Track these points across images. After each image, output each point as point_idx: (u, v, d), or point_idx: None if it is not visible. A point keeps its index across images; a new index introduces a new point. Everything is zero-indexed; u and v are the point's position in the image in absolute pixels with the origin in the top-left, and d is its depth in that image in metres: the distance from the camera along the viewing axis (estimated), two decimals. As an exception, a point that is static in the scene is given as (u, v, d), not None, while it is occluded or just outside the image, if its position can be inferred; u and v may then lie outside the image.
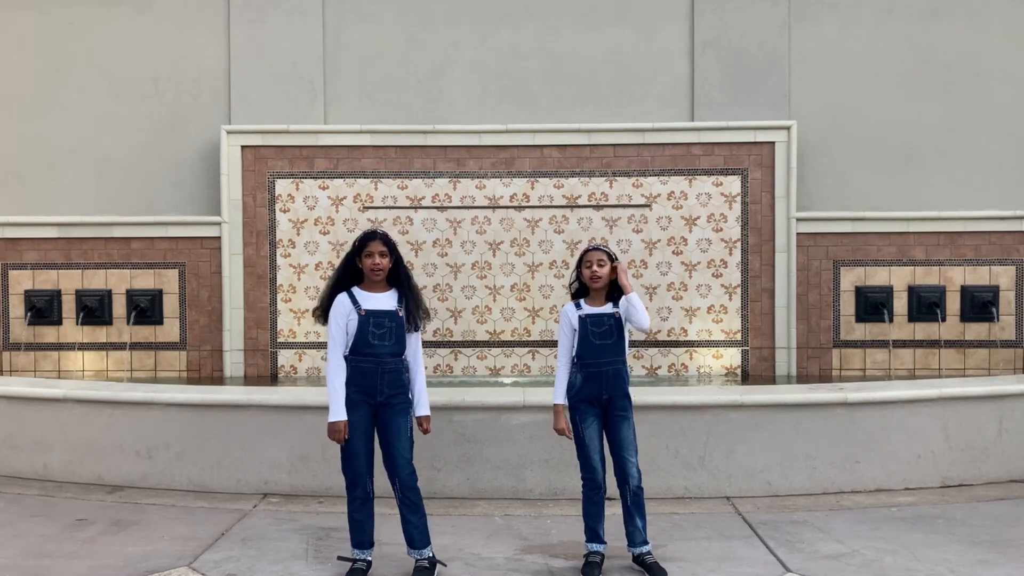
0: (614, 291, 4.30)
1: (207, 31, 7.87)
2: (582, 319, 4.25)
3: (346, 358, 4.08)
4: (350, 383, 4.05)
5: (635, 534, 4.20)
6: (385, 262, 4.10)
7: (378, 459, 4.14)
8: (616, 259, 4.28)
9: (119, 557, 4.35)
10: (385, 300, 4.13)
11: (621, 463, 4.20)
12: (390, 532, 4.35)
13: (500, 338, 7.69)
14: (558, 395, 4.30)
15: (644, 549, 4.18)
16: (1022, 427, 5.64)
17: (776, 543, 4.54)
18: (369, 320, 4.06)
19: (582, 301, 4.33)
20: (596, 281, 4.24)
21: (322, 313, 4.18)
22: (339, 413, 4.01)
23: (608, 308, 4.27)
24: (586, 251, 4.33)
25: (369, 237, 4.12)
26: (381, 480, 4.18)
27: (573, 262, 7.47)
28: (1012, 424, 5.62)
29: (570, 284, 4.43)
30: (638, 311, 4.12)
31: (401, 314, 4.11)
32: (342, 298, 4.12)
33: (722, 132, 7.59)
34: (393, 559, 4.29)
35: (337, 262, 7.54)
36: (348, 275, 4.18)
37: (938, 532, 4.68)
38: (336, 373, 4.04)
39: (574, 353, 4.27)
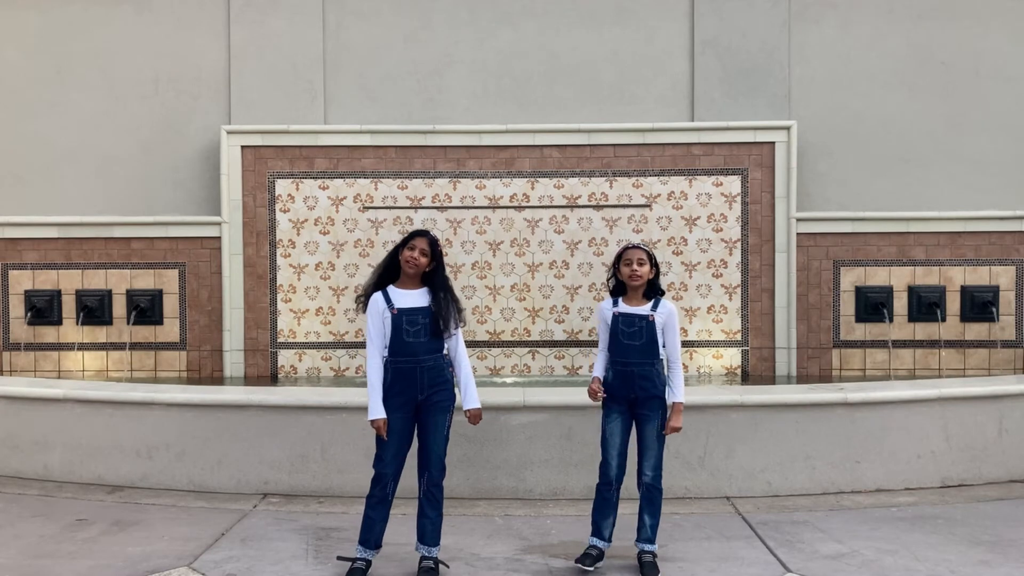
0: (651, 290, 4.33)
1: (207, 31, 7.87)
2: (615, 316, 4.29)
3: (386, 362, 4.12)
4: (392, 387, 4.09)
5: (641, 529, 4.23)
6: (424, 261, 4.14)
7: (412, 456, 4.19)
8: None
9: (119, 557, 4.36)
10: (417, 297, 4.17)
11: (639, 461, 4.26)
12: (391, 532, 4.34)
13: (500, 338, 7.69)
14: (596, 371, 4.38)
15: (644, 547, 4.20)
16: (1022, 427, 5.64)
17: (776, 543, 4.54)
18: (402, 318, 4.10)
19: (619, 299, 4.35)
20: (636, 280, 4.25)
21: (364, 304, 4.24)
22: (375, 411, 4.08)
23: (644, 309, 4.27)
24: (625, 248, 4.34)
25: (417, 233, 4.21)
26: (405, 482, 4.20)
27: (573, 262, 7.60)
28: (1012, 424, 5.62)
29: (607, 280, 4.46)
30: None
31: (434, 310, 4.15)
32: (376, 297, 4.18)
33: (722, 132, 7.58)
34: (394, 559, 4.29)
35: (337, 262, 7.64)
36: (388, 269, 4.25)
37: (938, 532, 4.68)
38: (374, 371, 4.11)
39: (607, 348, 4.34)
